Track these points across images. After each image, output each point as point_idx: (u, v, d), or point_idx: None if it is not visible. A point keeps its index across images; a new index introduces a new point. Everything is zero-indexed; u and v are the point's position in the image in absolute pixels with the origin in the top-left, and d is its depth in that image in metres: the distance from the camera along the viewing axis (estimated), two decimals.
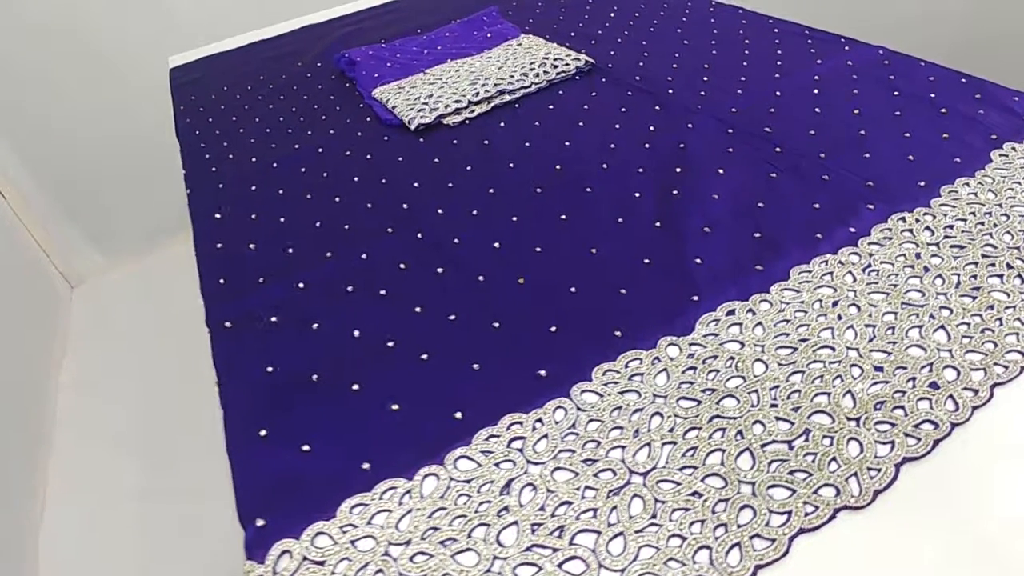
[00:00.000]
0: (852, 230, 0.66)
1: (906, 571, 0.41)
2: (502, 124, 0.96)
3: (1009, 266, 0.59)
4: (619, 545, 0.44)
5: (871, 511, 0.44)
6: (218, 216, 0.87)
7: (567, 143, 0.89)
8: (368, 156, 0.94)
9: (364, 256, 0.75)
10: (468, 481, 0.50)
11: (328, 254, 0.76)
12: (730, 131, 0.85)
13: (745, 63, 1.00)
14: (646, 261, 0.67)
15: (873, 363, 0.53)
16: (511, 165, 0.86)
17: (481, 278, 0.69)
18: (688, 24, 1.17)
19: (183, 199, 0.93)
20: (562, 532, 0.45)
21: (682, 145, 0.83)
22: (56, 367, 1.65)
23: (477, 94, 1.00)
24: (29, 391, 1.48)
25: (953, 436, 0.47)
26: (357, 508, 0.50)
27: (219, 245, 0.82)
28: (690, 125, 0.87)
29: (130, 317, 1.81)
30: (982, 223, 0.64)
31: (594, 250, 0.69)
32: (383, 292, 0.69)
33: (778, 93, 0.91)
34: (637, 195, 0.76)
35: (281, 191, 0.90)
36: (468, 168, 0.87)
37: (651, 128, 0.88)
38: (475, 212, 0.79)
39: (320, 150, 0.98)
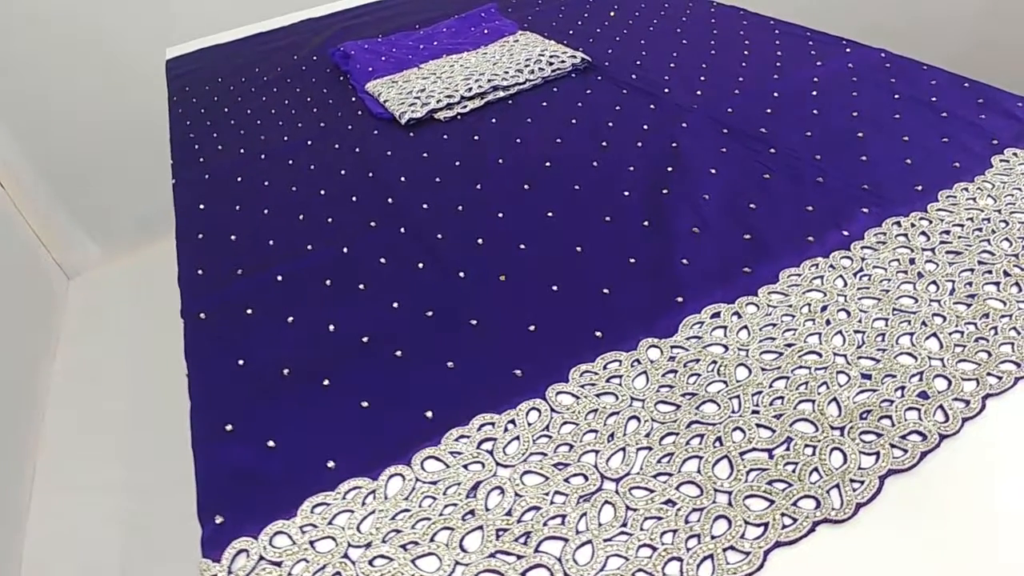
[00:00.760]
0: (845, 233, 0.64)
1: None
2: (494, 120, 0.95)
3: (1006, 273, 0.57)
4: (587, 554, 0.42)
5: (852, 525, 0.42)
6: (202, 207, 0.86)
7: (558, 140, 0.87)
8: (356, 150, 0.93)
9: (345, 250, 0.73)
10: (435, 483, 0.48)
11: (309, 247, 0.75)
12: (725, 131, 0.83)
13: (744, 63, 0.98)
14: (631, 261, 0.65)
15: (861, 370, 0.51)
16: (500, 161, 0.85)
17: (462, 274, 0.67)
18: (688, 24, 1.15)
19: None
20: (528, 539, 0.43)
21: (675, 144, 0.81)
22: (50, 358, 1.64)
23: (470, 89, 0.99)
24: (22, 381, 1.47)
25: (942, 448, 0.45)
26: (319, 508, 0.48)
27: (200, 236, 0.80)
28: (684, 124, 0.85)
29: (125, 310, 1.80)
30: (980, 229, 0.62)
31: (579, 248, 0.68)
32: (361, 286, 0.68)
33: (776, 94, 0.89)
34: (626, 194, 0.74)
35: (267, 183, 0.88)
36: (456, 163, 0.86)
37: (644, 127, 0.86)
38: (460, 208, 0.77)
39: (309, 142, 0.96)
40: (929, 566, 0.39)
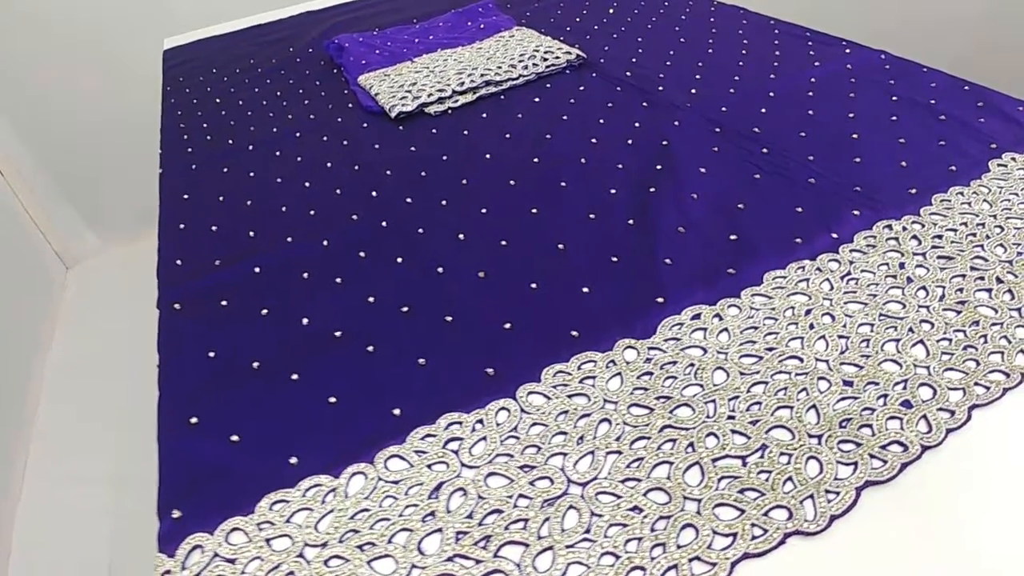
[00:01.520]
0: (834, 236, 0.62)
1: None
2: (484, 115, 0.93)
3: (999, 280, 0.55)
4: (547, 560, 0.40)
5: (825, 538, 0.40)
6: (186, 197, 0.85)
7: (548, 136, 0.85)
8: (344, 142, 0.91)
9: (325, 243, 0.72)
10: (397, 482, 0.46)
11: (289, 239, 0.73)
12: (717, 130, 0.81)
13: (741, 63, 0.96)
14: (614, 259, 0.63)
15: (843, 377, 0.49)
16: (488, 156, 0.83)
17: (440, 270, 0.65)
18: (687, 22, 1.13)
19: None
20: (488, 543, 0.42)
21: (665, 143, 0.80)
22: (46, 346, 1.63)
23: (462, 84, 0.97)
24: (17, 369, 1.47)
25: (923, 460, 0.43)
26: (278, 505, 0.46)
27: (182, 226, 0.79)
28: (676, 123, 0.84)
29: (123, 299, 1.79)
30: (974, 234, 0.60)
31: (561, 246, 0.66)
32: (338, 280, 0.66)
33: (771, 94, 0.87)
34: (613, 191, 0.73)
35: (252, 174, 0.87)
36: (444, 158, 0.84)
37: (636, 124, 0.85)
38: (444, 202, 0.75)
39: (298, 134, 0.95)
40: None
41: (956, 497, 0.41)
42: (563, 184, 0.76)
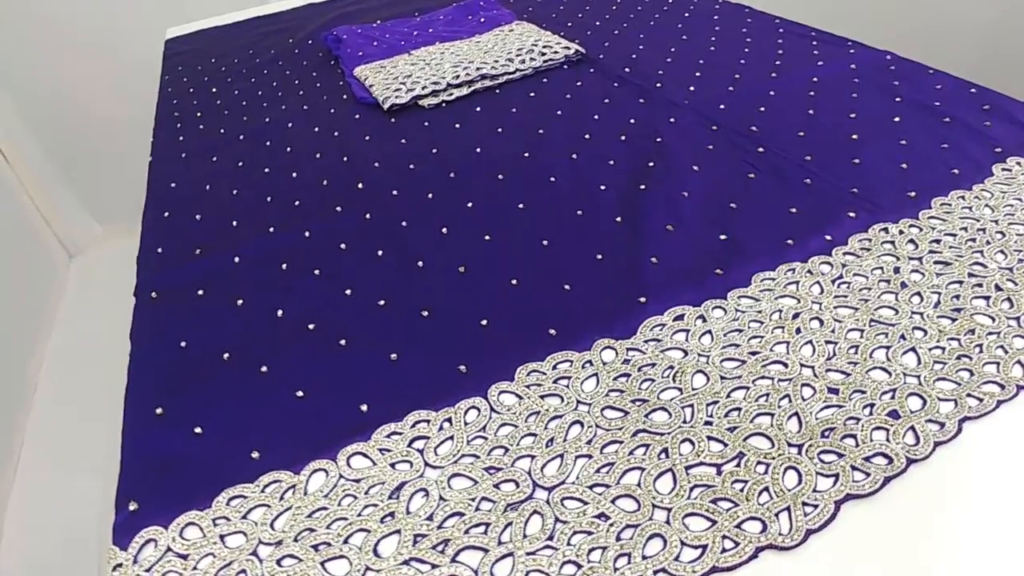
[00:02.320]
0: (828, 238, 0.60)
1: None
2: (478, 109, 0.91)
3: (998, 288, 0.53)
4: (506, 567, 0.39)
5: (799, 553, 0.38)
6: (173, 185, 0.84)
7: (541, 131, 0.84)
8: (335, 133, 0.90)
9: (307, 234, 0.70)
10: (358, 480, 0.45)
11: (271, 229, 0.72)
12: (714, 128, 0.79)
13: (743, 61, 0.94)
14: (598, 257, 0.61)
15: (828, 384, 0.47)
16: (478, 150, 0.81)
17: (421, 263, 0.64)
18: (690, 20, 1.11)
19: None
20: (446, 547, 0.40)
21: (659, 139, 0.77)
22: (46, 334, 1.63)
23: (457, 77, 0.96)
24: (16, 356, 1.46)
25: (909, 474, 0.41)
26: (236, 500, 0.45)
27: (166, 214, 0.78)
28: (672, 120, 0.81)
29: (125, 290, 1.79)
30: (973, 239, 0.57)
31: (545, 242, 0.64)
32: (317, 272, 0.65)
33: (772, 93, 0.85)
34: (603, 188, 0.71)
35: (241, 163, 0.86)
36: (434, 151, 0.83)
37: (631, 121, 0.83)
38: (430, 196, 0.74)
39: (290, 124, 0.94)
40: None
41: (941, 514, 0.39)
42: (552, 179, 0.74)
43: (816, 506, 0.39)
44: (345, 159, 0.83)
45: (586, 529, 0.40)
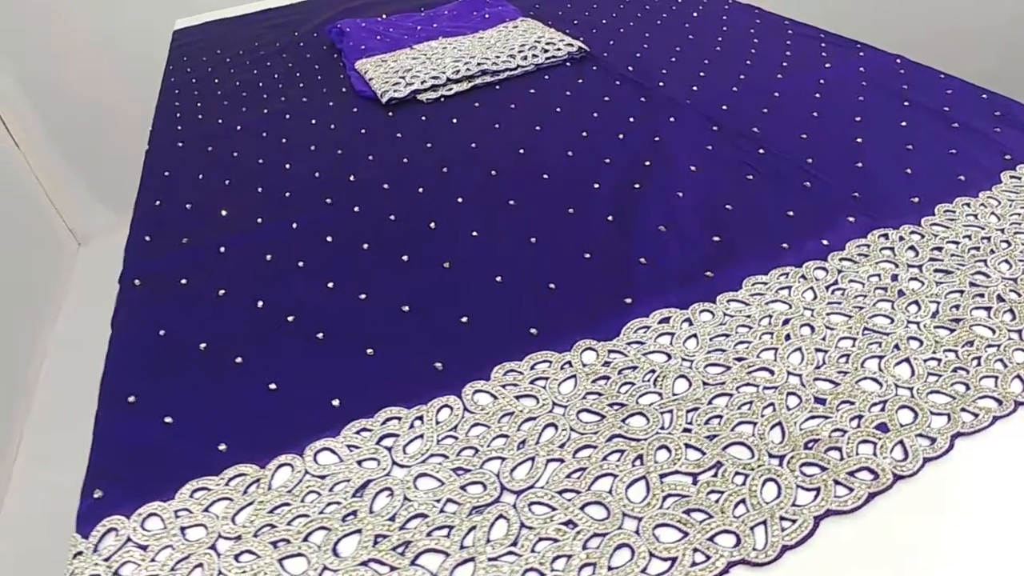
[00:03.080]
0: (825, 243, 0.57)
1: None
2: (477, 104, 0.90)
3: (1000, 298, 0.50)
4: (466, 573, 0.37)
5: (773, 570, 0.36)
6: (167, 174, 0.83)
7: (538, 128, 0.82)
8: (332, 126, 0.89)
9: (294, 226, 0.69)
10: (323, 477, 0.43)
11: (259, 220, 0.71)
12: (715, 128, 0.77)
13: (748, 62, 0.92)
14: (587, 256, 0.60)
15: (815, 393, 0.45)
16: (473, 145, 0.80)
17: (405, 258, 0.62)
18: (698, 20, 1.09)
19: None
20: (406, 549, 0.39)
21: (657, 139, 0.76)
22: (52, 322, 1.64)
23: (457, 72, 0.94)
24: (21, 341, 1.47)
25: (894, 491, 0.39)
26: (199, 492, 0.44)
27: (157, 203, 0.78)
28: (672, 119, 0.80)
29: None
30: (977, 248, 0.55)
31: (534, 240, 0.63)
32: (301, 264, 0.64)
33: (776, 94, 0.82)
34: (596, 186, 0.69)
35: (236, 154, 0.85)
36: (428, 145, 0.82)
37: (631, 119, 0.81)
38: (421, 190, 0.73)
39: (287, 116, 0.93)
40: None
41: (927, 534, 0.37)
42: (545, 176, 0.72)
43: (794, 521, 0.38)
44: (339, 152, 0.83)
45: (552, 536, 0.38)
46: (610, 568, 0.36)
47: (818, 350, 0.48)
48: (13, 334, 1.45)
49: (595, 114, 0.84)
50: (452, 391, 0.48)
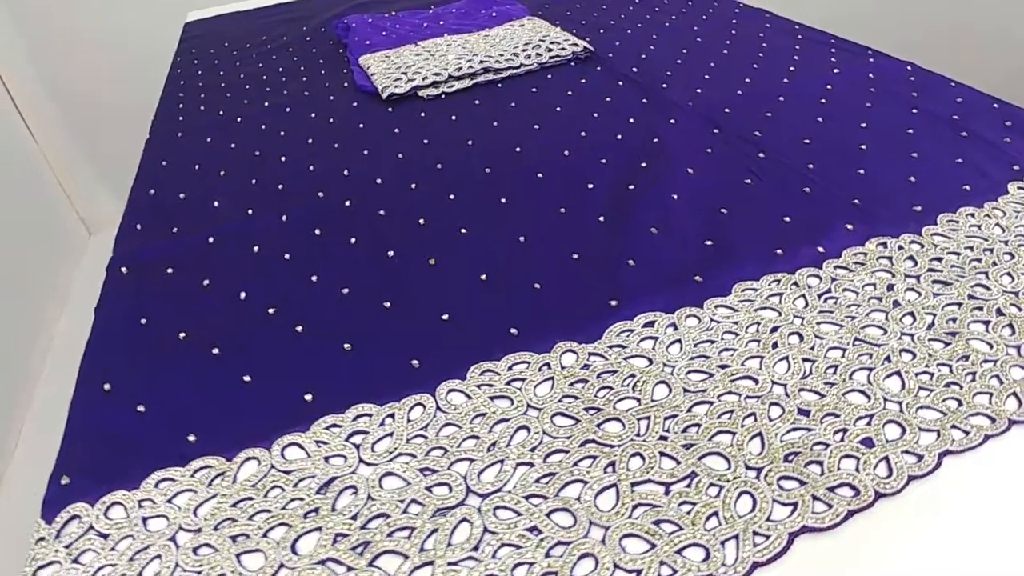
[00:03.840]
0: (820, 250, 0.56)
1: None
2: (477, 102, 0.89)
3: (1000, 312, 0.48)
4: None
5: None
6: (164, 163, 0.83)
7: (536, 127, 0.81)
8: (331, 120, 0.89)
9: (284, 218, 0.69)
10: (289, 472, 0.43)
11: (250, 212, 0.71)
12: (716, 131, 0.75)
13: (755, 65, 0.90)
14: (575, 256, 0.58)
15: (799, 404, 0.43)
16: (470, 143, 0.79)
17: (391, 253, 0.61)
18: (707, 23, 1.07)
19: None
20: (365, 549, 0.38)
21: (656, 140, 0.74)
22: (59, 310, 1.66)
23: (459, 69, 0.94)
24: (26, 330, 1.48)
25: (875, 509, 0.37)
26: (164, 483, 0.43)
27: (152, 192, 0.77)
28: (673, 120, 0.78)
29: None
30: (979, 259, 0.53)
31: (523, 239, 0.61)
32: (287, 256, 0.63)
33: (781, 98, 0.81)
34: (590, 186, 0.68)
35: (233, 145, 0.85)
36: (425, 142, 0.81)
37: (631, 120, 0.80)
38: (413, 186, 0.72)
39: (288, 110, 0.93)
40: None
41: (907, 556, 0.35)
42: (540, 176, 0.71)
43: (767, 536, 0.36)
44: (336, 146, 0.82)
45: (514, 542, 0.37)
46: None
47: (805, 360, 0.46)
48: (23, 320, 1.46)
49: (595, 114, 0.82)
50: (427, 390, 0.47)
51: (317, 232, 0.66)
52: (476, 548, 0.37)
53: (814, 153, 0.69)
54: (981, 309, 0.49)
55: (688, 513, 0.37)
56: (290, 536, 0.39)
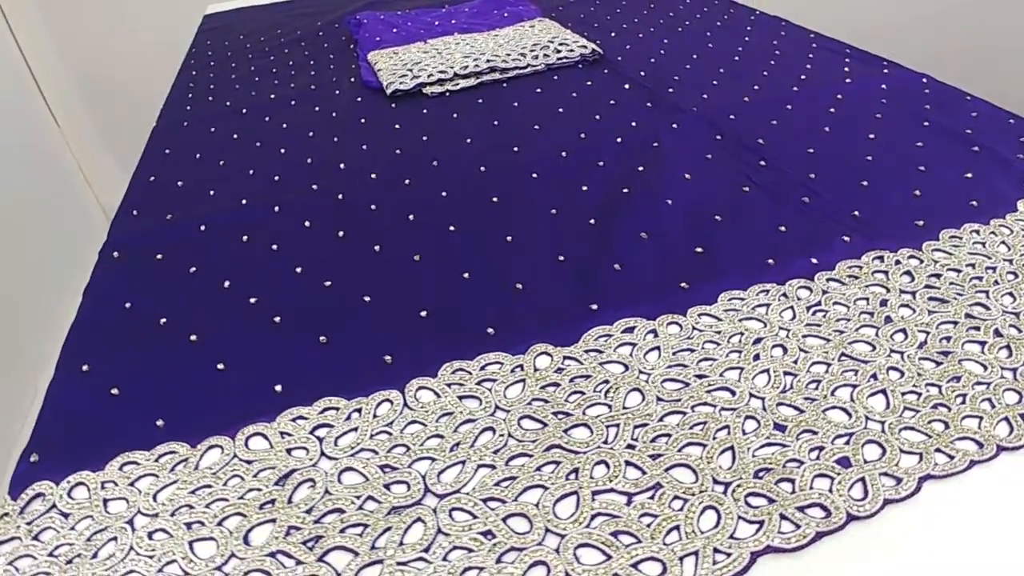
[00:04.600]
0: (814, 261, 0.54)
1: None
2: (480, 101, 0.89)
3: (998, 333, 0.46)
4: (372, 575, 0.35)
5: None
6: (167, 151, 0.84)
7: (536, 127, 0.80)
8: (334, 114, 0.89)
9: (276, 209, 0.69)
10: (250, 462, 0.42)
11: (244, 201, 0.71)
12: (718, 137, 0.74)
13: (766, 72, 0.88)
14: (560, 258, 0.57)
15: (776, 419, 0.41)
16: (468, 141, 0.79)
17: (377, 247, 0.61)
18: (721, 29, 1.05)
19: None
20: (316, 544, 0.37)
21: (656, 144, 0.73)
22: (73, 296, 1.68)
23: (465, 67, 0.93)
24: (46, 316, 1.51)
25: (846, 533, 0.35)
26: (128, 466, 0.43)
27: (152, 178, 0.78)
28: (675, 125, 0.77)
29: None
30: (979, 278, 0.51)
31: (510, 238, 0.60)
32: (275, 247, 0.63)
33: (789, 107, 0.79)
34: (584, 188, 0.67)
35: (236, 135, 0.86)
36: (424, 138, 0.80)
37: (632, 124, 0.78)
38: (407, 182, 0.71)
39: (293, 102, 0.93)
40: None
41: None
42: (535, 176, 0.70)
43: (729, 554, 0.34)
44: (335, 140, 0.82)
45: (467, 546, 0.36)
46: None
47: (787, 373, 0.44)
48: (43, 305, 1.49)
49: (597, 116, 0.81)
50: (397, 386, 0.46)
51: (307, 224, 0.66)
52: (427, 549, 0.36)
53: (817, 163, 0.67)
54: (978, 329, 0.47)
55: (648, 526, 0.36)
56: (244, 526, 0.38)
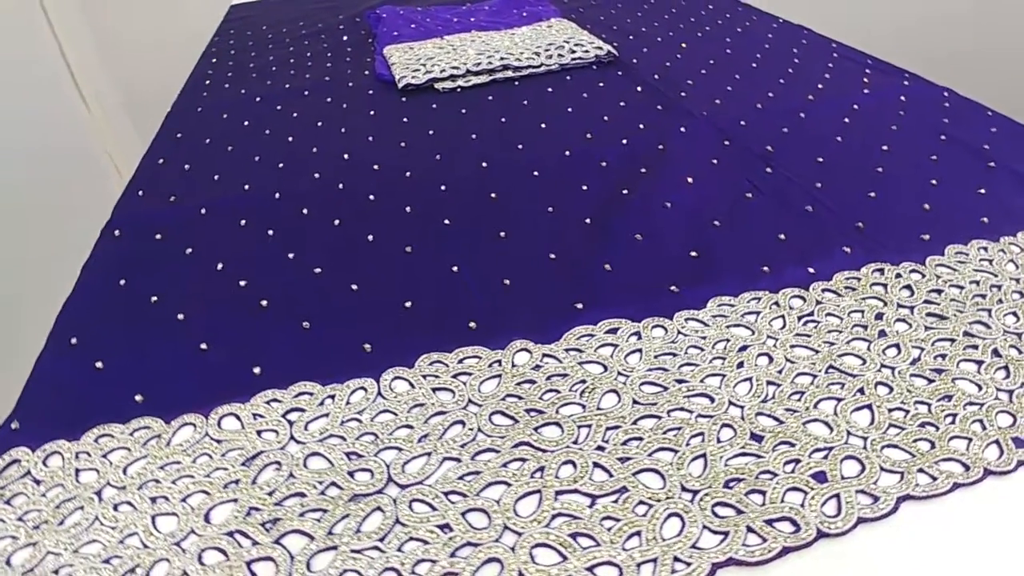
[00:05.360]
0: (811, 271, 0.52)
1: None
2: (490, 98, 0.88)
3: (997, 353, 0.44)
4: (324, 561, 0.35)
5: None
6: (179, 136, 0.85)
7: (543, 126, 0.80)
8: (344, 106, 0.89)
9: (276, 195, 0.69)
10: (220, 441, 0.42)
11: (246, 187, 0.71)
12: (726, 143, 0.72)
13: (782, 80, 0.87)
14: (551, 256, 0.56)
15: (753, 428, 0.40)
16: (473, 137, 0.78)
17: (371, 237, 0.61)
18: (741, 36, 1.04)
19: None
20: (274, 526, 0.37)
21: (661, 147, 0.72)
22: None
23: (478, 64, 0.93)
24: (51, 302, 1.55)
25: (815, 549, 0.34)
26: (104, 439, 0.43)
27: (161, 161, 0.79)
28: (683, 129, 0.75)
29: None
30: (982, 295, 0.49)
31: (503, 234, 0.60)
32: (270, 232, 0.63)
33: (802, 115, 0.77)
34: (584, 187, 0.66)
35: (247, 123, 0.87)
36: (430, 133, 0.80)
37: (640, 126, 0.77)
38: (408, 174, 0.71)
39: (306, 93, 0.94)
40: None
41: None
42: (536, 174, 0.69)
43: (689, 564, 0.33)
44: (343, 130, 0.82)
45: (423, 538, 0.35)
46: None
47: (770, 383, 0.43)
48: (51, 290, 1.52)
49: (605, 117, 0.80)
50: (373, 375, 0.46)
51: (305, 211, 0.66)
52: (383, 539, 0.35)
53: (825, 172, 0.66)
54: (976, 347, 0.45)
55: (609, 529, 0.35)
56: (206, 504, 0.38)
